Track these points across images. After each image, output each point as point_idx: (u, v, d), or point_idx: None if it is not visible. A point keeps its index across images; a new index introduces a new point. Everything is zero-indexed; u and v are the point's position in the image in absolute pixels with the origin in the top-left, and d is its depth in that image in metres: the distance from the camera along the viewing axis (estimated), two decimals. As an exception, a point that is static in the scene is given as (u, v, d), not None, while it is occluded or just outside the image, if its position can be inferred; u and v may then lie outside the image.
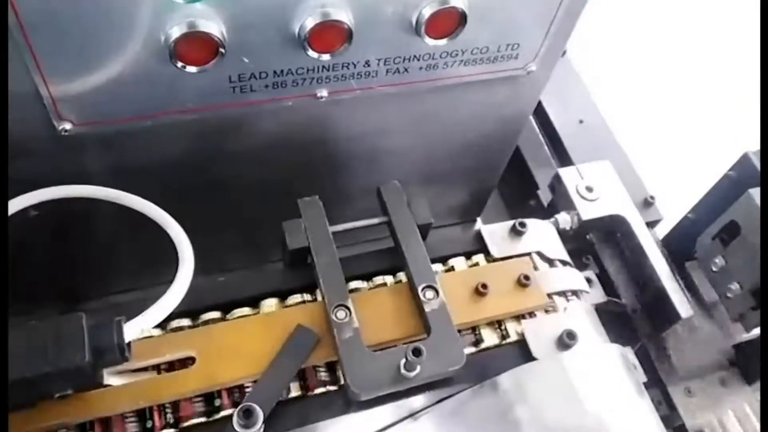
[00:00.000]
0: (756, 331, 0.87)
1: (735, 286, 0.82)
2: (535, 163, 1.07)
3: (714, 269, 0.85)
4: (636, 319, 0.89)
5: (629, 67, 1.82)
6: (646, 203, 0.99)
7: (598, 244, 0.95)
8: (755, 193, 0.80)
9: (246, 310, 0.67)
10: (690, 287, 0.93)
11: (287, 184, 0.74)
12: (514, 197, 1.11)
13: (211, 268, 0.68)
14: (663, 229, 1.01)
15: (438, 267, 0.73)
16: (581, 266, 0.94)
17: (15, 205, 0.59)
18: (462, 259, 0.74)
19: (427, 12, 0.64)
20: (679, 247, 0.95)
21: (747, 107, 1.52)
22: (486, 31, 0.70)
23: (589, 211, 0.85)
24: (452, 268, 0.73)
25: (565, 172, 0.89)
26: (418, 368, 0.60)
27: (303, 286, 0.69)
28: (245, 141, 0.75)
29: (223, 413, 0.61)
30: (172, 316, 0.63)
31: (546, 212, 0.90)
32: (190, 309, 0.65)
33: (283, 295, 0.69)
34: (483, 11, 0.67)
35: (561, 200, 0.88)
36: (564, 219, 0.85)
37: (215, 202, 0.79)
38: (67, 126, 0.64)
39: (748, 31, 1.74)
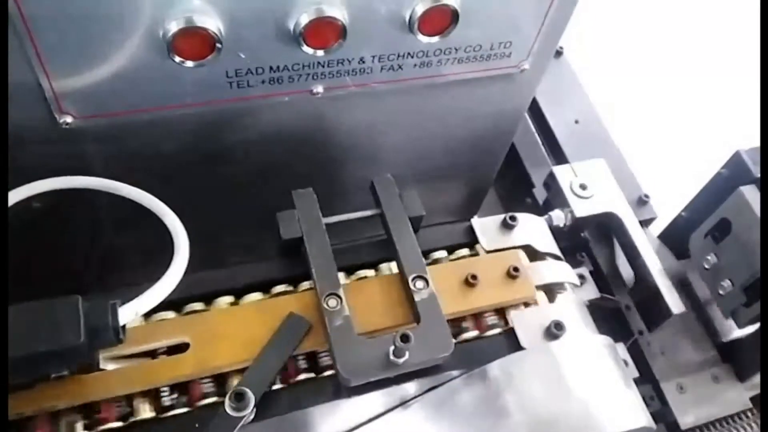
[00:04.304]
0: (749, 328, 0.88)
1: (727, 283, 0.84)
2: (530, 162, 1.09)
3: (706, 267, 0.87)
4: (628, 315, 0.90)
5: (626, 66, 1.83)
6: (641, 201, 1.01)
7: (592, 241, 0.96)
8: (746, 190, 0.82)
9: (237, 299, 0.69)
10: (684, 284, 0.94)
11: (283, 178, 0.76)
12: (510, 196, 1.12)
13: (208, 261, 0.70)
14: (658, 228, 1.02)
15: (429, 258, 0.74)
16: (575, 263, 0.95)
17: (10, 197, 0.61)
18: (452, 251, 0.75)
19: (420, 9, 0.65)
20: (673, 244, 0.97)
21: (741, 106, 1.53)
22: (478, 29, 0.72)
23: (582, 209, 0.87)
24: (442, 260, 0.75)
25: (559, 170, 0.90)
26: (407, 355, 0.61)
27: (296, 276, 0.70)
28: (242, 135, 0.76)
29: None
30: (166, 306, 0.65)
31: (541, 210, 0.91)
32: (184, 298, 0.67)
33: (275, 285, 0.70)
34: (475, 9, 0.68)
35: (555, 198, 0.90)
36: (558, 216, 0.86)
37: (212, 194, 0.81)
38: (68, 119, 0.65)
39: (744, 30, 1.75)
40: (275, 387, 0.63)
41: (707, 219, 0.87)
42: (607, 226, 0.91)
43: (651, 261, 0.86)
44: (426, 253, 0.73)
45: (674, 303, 0.83)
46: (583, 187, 0.88)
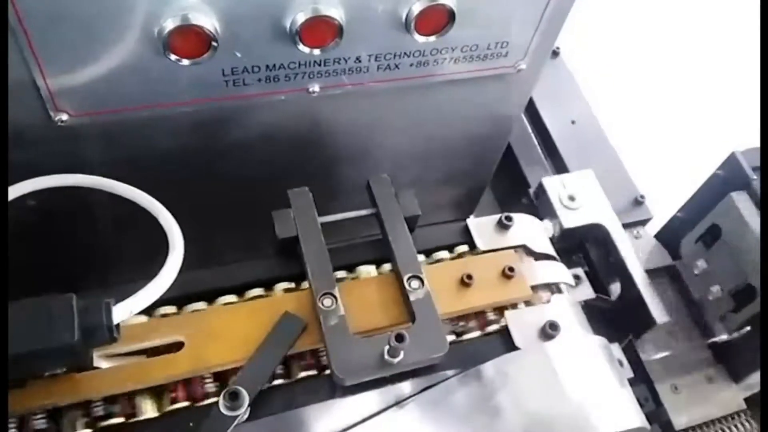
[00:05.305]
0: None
1: (716, 288, 0.85)
2: (527, 162, 1.09)
3: (696, 272, 0.87)
4: (623, 315, 0.90)
5: (623, 66, 1.83)
6: (636, 202, 1.01)
7: (588, 242, 0.96)
8: (736, 196, 0.83)
9: (232, 298, 0.68)
10: (680, 286, 0.94)
11: (280, 177, 0.76)
12: (506, 196, 1.12)
13: (203, 260, 0.70)
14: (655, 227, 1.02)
15: (424, 259, 0.74)
16: (571, 264, 0.95)
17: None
18: (447, 251, 0.75)
19: (416, 9, 0.65)
20: (669, 246, 0.97)
21: (740, 106, 1.54)
22: (475, 28, 0.72)
23: (570, 220, 0.86)
24: (438, 260, 0.75)
25: (548, 181, 0.90)
26: (402, 354, 0.61)
27: (291, 275, 0.70)
28: (239, 134, 0.76)
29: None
30: (161, 304, 0.65)
31: (537, 210, 0.91)
32: (180, 296, 0.66)
33: (270, 284, 0.70)
34: (472, 9, 0.68)
35: (544, 208, 0.90)
36: (546, 227, 0.86)
37: (208, 193, 0.81)
38: (64, 117, 0.65)
39: (742, 31, 1.75)
40: (269, 386, 0.63)
41: (698, 224, 0.88)
42: (594, 236, 0.91)
43: (636, 272, 0.86)
44: (421, 253, 0.73)
45: (658, 313, 0.83)
46: (571, 198, 0.87)
